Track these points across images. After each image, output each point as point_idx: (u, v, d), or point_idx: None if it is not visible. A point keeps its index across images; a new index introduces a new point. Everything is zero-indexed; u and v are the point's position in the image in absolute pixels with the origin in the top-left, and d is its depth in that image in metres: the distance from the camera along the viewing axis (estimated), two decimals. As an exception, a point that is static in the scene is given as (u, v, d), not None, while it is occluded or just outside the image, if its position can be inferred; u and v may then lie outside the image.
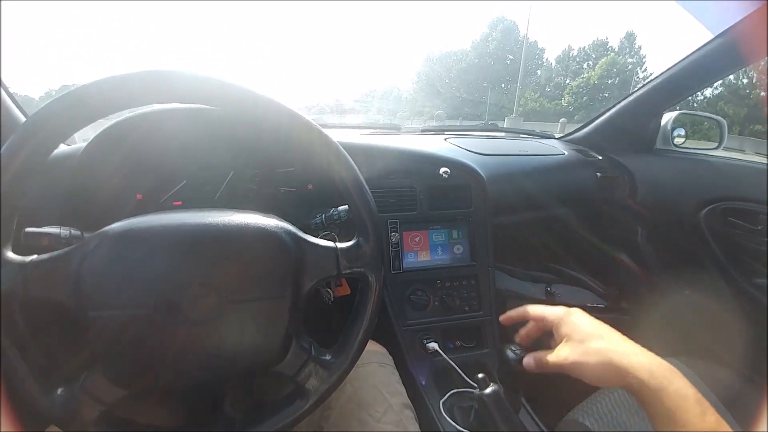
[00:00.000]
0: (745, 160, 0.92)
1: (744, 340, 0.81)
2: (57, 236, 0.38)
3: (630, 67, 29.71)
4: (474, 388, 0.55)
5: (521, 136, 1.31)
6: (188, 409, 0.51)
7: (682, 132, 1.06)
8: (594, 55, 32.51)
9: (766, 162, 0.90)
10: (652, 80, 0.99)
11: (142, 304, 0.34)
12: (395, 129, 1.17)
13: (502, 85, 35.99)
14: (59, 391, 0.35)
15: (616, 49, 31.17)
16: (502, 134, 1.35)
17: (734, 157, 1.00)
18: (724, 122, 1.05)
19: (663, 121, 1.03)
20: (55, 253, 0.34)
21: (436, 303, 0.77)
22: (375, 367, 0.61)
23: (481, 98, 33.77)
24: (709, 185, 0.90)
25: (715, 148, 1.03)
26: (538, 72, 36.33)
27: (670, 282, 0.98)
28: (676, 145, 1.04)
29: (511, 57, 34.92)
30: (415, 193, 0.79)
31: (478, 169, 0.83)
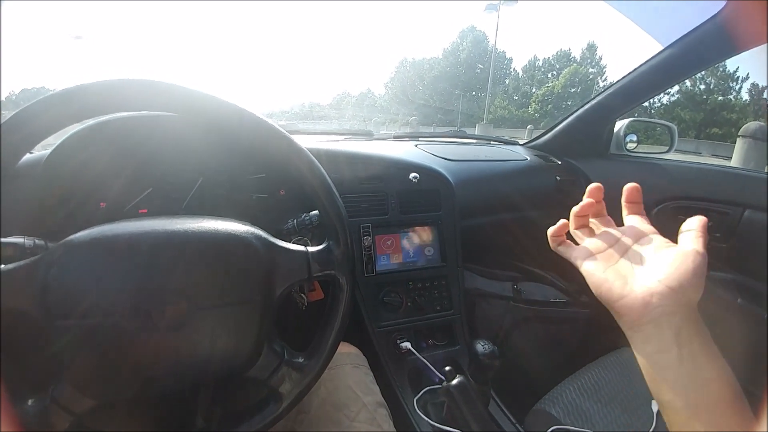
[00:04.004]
0: (693, 162, 1.00)
1: None
2: (21, 246, 0.37)
3: (591, 76, 31.36)
4: (443, 381, 0.57)
5: (488, 142, 1.37)
6: (161, 419, 0.50)
7: (634, 138, 1.14)
8: (558, 66, 34.13)
9: (713, 163, 0.97)
10: (604, 90, 1.06)
11: (110, 313, 0.34)
12: (368, 135, 1.19)
13: (473, 93, 37.04)
14: (30, 401, 0.34)
15: (579, 60, 32.89)
16: (471, 141, 1.40)
17: (690, 159, 1.08)
18: (675, 127, 1.14)
19: (616, 128, 1.10)
20: (21, 262, 0.34)
21: (409, 304, 0.79)
22: (349, 369, 0.62)
23: (453, 105, 34.59)
24: (660, 186, 0.97)
25: (667, 152, 1.11)
26: (506, 81, 37.68)
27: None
28: (628, 150, 1.12)
29: (480, 66, 36.04)
30: (386, 197, 0.81)
31: (446, 174, 0.87)
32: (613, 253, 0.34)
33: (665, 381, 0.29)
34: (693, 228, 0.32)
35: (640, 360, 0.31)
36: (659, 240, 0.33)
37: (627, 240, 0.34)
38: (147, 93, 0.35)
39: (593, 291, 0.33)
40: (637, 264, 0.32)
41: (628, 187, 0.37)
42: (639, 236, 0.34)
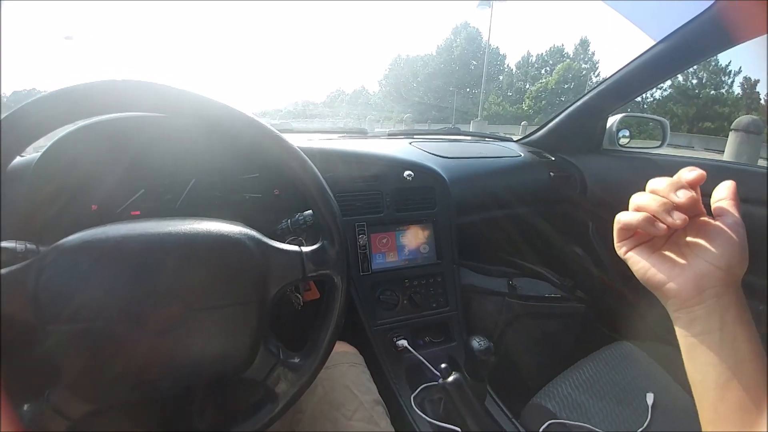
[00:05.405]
0: (686, 157, 1.00)
1: None
2: (12, 250, 0.37)
3: (584, 72, 31.49)
4: (439, 378, 0.57)
5: (482, 139, 1.37)
6: (157, 421, 0.50)
7: (627, 133, 1.14)
8: (551, 61, 34.22)
9: (705, 158, 0.98)
10: (597, 86, 1.06)
11: (102, 316, 0.33)
12: (362, 133, 1.19)
13: (467, 89, 37.06)
14: (25, 407, 0.34)
15: (572, 56, 33.00)
16: (465, 138, 1.40)
17: (683, 154, 1.09)
18: (667, 122, 1.14)
19: (609, 123, 1.11)
20: (12, 267, 0.33)
21: (405, 302, 0.79)
22: (346, 368, 0.62)
23: (447, 102, 34.62)
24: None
25: (659, 147, 1.12)
26: (500, 77, 37.75)
27: (620, 271, 1.06)
28: (621, 145, 1.12)
29: (474, 63, 36.08)
30: (381, 195, 0.81)
31: (441, 171, 0.87)
32: (657, 238, 0.33)
33: (702, 360, 0.29)
34: (725, 197, 0.31)
35: (682, 340, 0.30)
36: (701, 215, 0.32)
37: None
38: (136, 94, 0.34)
39: (636, 276, 0.33)
40: (683, 245, 0.31)
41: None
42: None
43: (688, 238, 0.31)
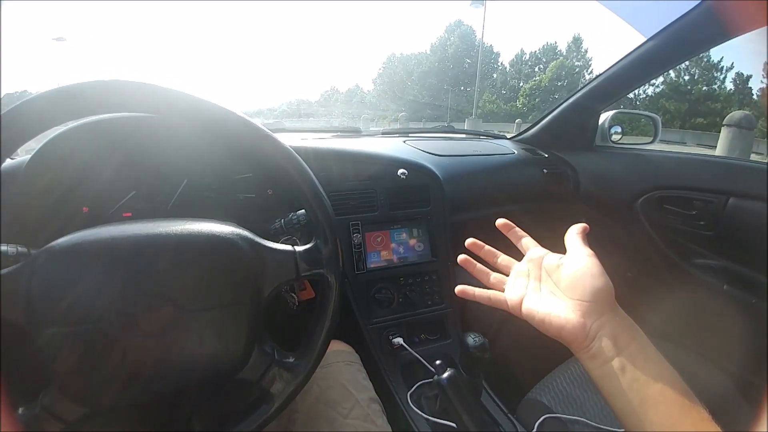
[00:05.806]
0: (677, 152, 1.01)
1: (685, 314, 0.88)
2: (4, 254, 0.37)
3: (577, 69, 31.69)
4: (434, 375, 0.57)
5: (477, 137, 1.38)
6: (152, 423, 0.50)
7: (619, 129, 1.15)
8: (544, 59, 34.41)
9: (696, 153, 0.99)
10: (589, 83, 1.07)
11: (94, 319, 0.33)
12: (356, 132, 1.18)
13: (462, 87, 37.14)
14: (20, 410, 0.34)
15: (565, 53, 33.20)
16: (460, 136, 1.40)
17: (675, 150, 1.09)
18: (658, 118, 1.15)
19: (601, 120, 1.11)
20: (3, 270, 0.33)
21: (401, 299, 0.80)
22: (341, 366, 0.62)
23: (442, 101, 34.67)
24: (644, 176, 0.98)
25: (651, 142, 1.13)
26: (494, 75, 37.87)
27: (614, 267, 1.06)
28: (613, 142, 1.13)
29: (468, 61, 36.15)
30: (375, 194, 0.81)
31: (434, 169, 0.87)
32: (534, 288, 0.36)
33: (612, 390, 0.30)
34: (572, 232, 0.36)
35: (592, 375, 0.32)
36: (553, 257, 0.36)
37: (535, 270, 0.37)
38: (127, 94, 0.34)
39: (539, 329, 0.34)
40: (555, 291, 0.34)
41: (499, 222, 0.42)
42: (538, 262, 0.37)
43: (556, 283, 0.34)
